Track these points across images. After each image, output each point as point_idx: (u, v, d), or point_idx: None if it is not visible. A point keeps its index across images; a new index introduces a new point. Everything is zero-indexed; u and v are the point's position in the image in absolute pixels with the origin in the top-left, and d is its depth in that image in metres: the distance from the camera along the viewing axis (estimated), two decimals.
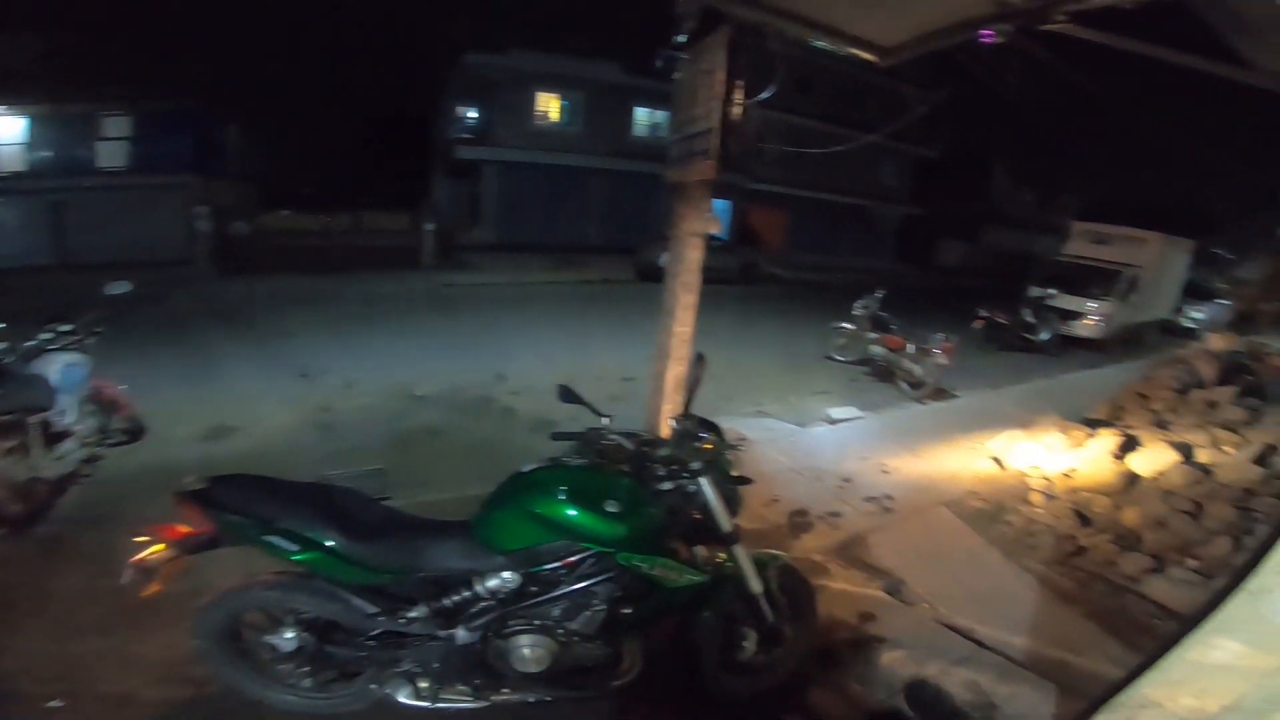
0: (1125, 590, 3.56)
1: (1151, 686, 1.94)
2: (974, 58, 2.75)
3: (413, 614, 2.01)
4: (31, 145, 14.74)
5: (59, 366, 3.65)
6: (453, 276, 14.60)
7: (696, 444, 2.23)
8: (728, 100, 2.87)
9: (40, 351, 3.70)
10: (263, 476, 2.10)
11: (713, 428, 2.33)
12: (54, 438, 3.66)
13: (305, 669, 2.12)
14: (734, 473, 2.36)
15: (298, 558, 1.91)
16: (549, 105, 20.58)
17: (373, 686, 2.13)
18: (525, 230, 19.92)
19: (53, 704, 2.26)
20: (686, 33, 3.21)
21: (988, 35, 2.41)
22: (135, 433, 4.32)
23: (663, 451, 2.18)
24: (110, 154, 15.39)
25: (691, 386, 2.40)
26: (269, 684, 2.19)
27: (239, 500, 1.95)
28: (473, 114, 21.23)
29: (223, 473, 2.04)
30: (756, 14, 2.80)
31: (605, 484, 2.09)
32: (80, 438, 3.84)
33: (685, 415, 2.36)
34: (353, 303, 11.13)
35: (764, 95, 3.09)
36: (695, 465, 2.14)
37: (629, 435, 2.32)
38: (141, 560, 1.94)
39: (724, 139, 2.91)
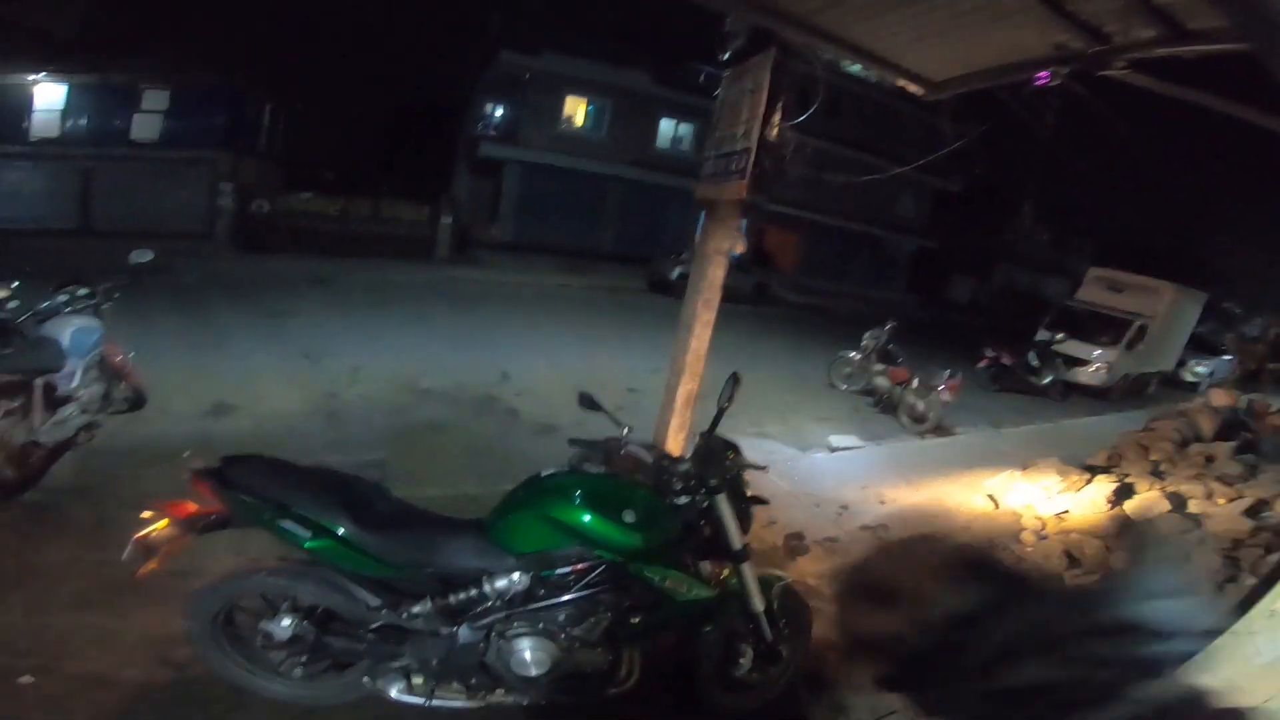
0: None
1: None
2: (1013, 93, 2.75)
3: (416, 609, 1.99)
4: (67, 113, 14.87)
5: (72, 330, 3.59)
6: (466, 271, 14.66)
7: (722, 462, 2.22)
8: (767, 122, 2.88)
9: (55, 314, 3.65)
10: (277, 459, 2.08)
11: (733, 447, 2.33)
12: (56, 402, 3.57)
13: (299, 658, 2.08)
14: (749, 493, 2.36)
15: (310, 545, 1.89)
16: (576, 109, 20.61)
17: (365, 680, 2.10)
18: (541, 232, 19.94)
19: (23, 680, 2.19)
20: (732, 51, 3.22)
21: (1043, 78, 2.42)
22: (137, 403, 4.24)
23: (684, 467, 2.19)
24: (144, 126, 15.56)
25: (724, 404, 2.37)
26: (256, 671, 2.16)
27: (254, 482, 1.93)
28: (500, 112, 21.31)
29: (223, 452, 2.01)
30: (806, 38, 2.81)
31: (624, 494, 2.09)
32: (82, 404, 3.74)
33: (712, 433, 2.34)
34: (364, 288, 11.16)
35: (801, 119, 3.10)
36: (714, 482, 2.15)
37: (648, 448, 2.33)
38: (145, 537, 1.89)
39: (759, 160, 2.93)
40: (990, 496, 5.30)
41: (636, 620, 2.11)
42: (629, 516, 2.00)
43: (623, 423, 2.31)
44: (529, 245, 19.18)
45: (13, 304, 3.59)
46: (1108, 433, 7.26)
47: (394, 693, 2.08)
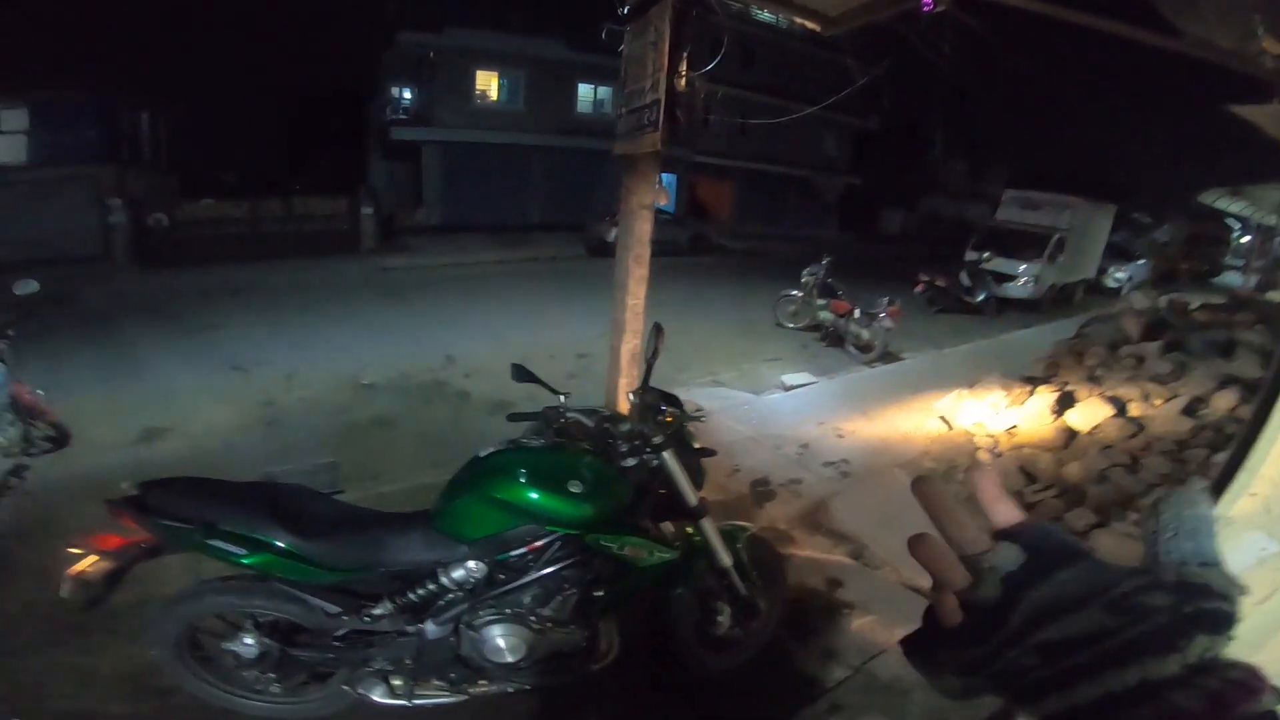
0: None
1: None
2: (912, 29, 2.76)
3: (377, 611, 1.93)
4: None
5: None
6: (394, 259, 14.13)
7: (658, 417, 2.18)
8: (673, 72, 2.80)
9: None
10: (199, 478, 1.99)
11: (673, 400, 2.28)
12: None
13: (272, 674, 2.02)
14: (696, 445, 2.32)
15: (247, 561, 1.81)
16: (489, 83, 19.92)
17: (346, 688, 2.05)
18: (469, 211, 19.39)
19: None
20: (631, 5, 3.11)
21: (927, 5, 2.44)
22: (60, 441, 4.06)
23: (624, 427, 2.14)
24: (6, 148, 14.18)
25: (650, 358, 2.33)
26: (237, 691, 2.10)
27: (176, 505, 1.83)
28: (409, 94, 20.43)
29: (158, 477, 1.91)
30: None
31: (567, 464, 2.02)
32: (2, 449, 3.59)
33: (644, 388, 2.29)
34: (288, 291, 10.64)
35: (709, 67, 3.03)
36: (657, 439, 2.09)
37: (588, 412, 2.25)
38: (79, 573, 1.81)
39: (671, 111, 2.86)
40: (942, 418, 5.45)
41: (603, 592, 2.07)
42: (575, 487, 1.93)
43: (558, 390, 2.22)
44: (459, 226, 18.65)
45: None
46: (1043, 343, 7.59)
47: (376, 697, 2.05)
